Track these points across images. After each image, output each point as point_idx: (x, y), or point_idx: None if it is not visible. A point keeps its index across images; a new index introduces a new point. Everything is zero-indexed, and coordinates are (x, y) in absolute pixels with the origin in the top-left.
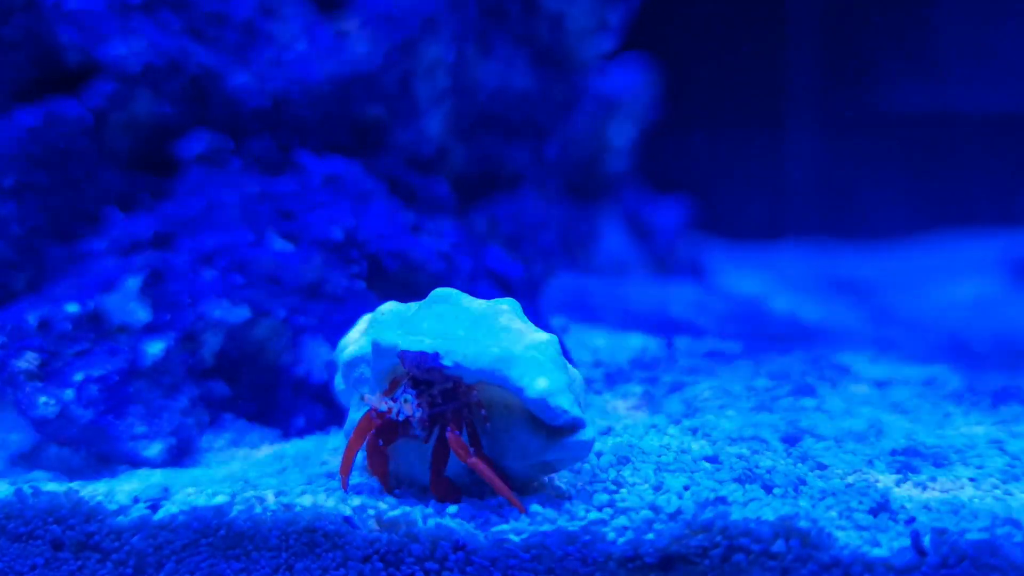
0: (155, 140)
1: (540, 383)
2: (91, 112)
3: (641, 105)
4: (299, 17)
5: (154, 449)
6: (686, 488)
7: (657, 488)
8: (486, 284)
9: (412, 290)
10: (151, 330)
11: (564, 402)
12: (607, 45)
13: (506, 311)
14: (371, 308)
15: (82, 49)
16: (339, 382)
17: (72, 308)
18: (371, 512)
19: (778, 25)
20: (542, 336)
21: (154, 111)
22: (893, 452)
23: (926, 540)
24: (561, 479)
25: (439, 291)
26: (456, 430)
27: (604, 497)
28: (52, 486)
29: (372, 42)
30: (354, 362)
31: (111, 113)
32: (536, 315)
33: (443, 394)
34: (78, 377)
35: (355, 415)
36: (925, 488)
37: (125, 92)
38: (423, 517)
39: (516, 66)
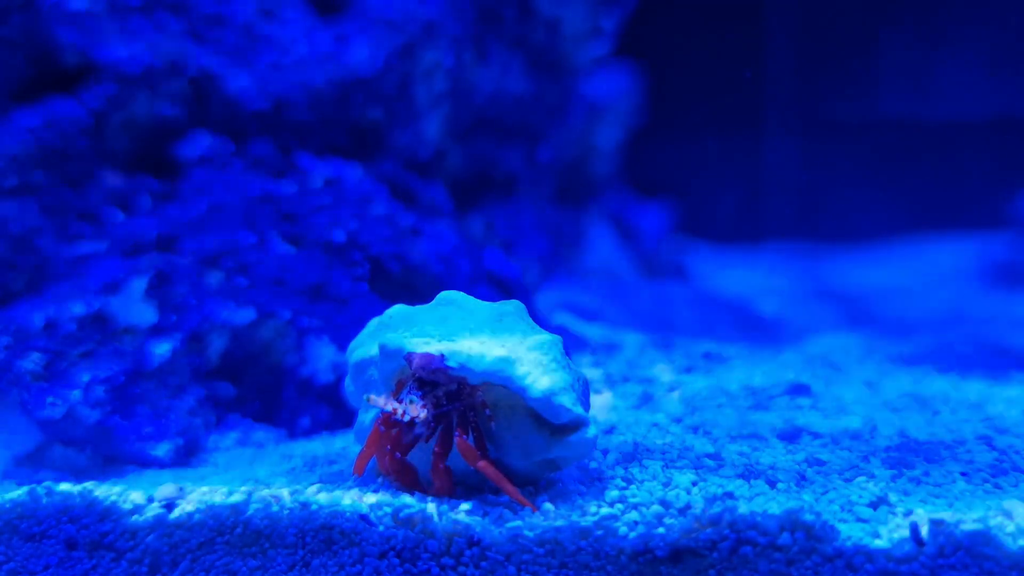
0: (155, 142)
1: (543, 382)
2: (91, 113)
3: (626, 109)
4: (299, 20)
5: (162, 449)
6: (694, 484)
7: (666, 484)
8: (485, 286)
9: (413, 292)
10: (157, 331)
11: (567, 401)
12: (600, 50)
13: (511, 312)
14: (375, 310)
15: (80, 50)
16: (349, 384)
17: (77, 309)
18: (387, 509)
19: (757, 32)
20: (546, 336)
21: (154, 112)
22: (887, 448)
23: (924, 531)
24: (571, 477)
25: (445, 294)
26: (463, 434)
27: (615, 493)
28: (65, 486)
29: (372, 46)
30: (363, 364)
31: (111, 114)
32: (535, 316)
33: (448, 395)
34: (84, 378)
35: (364, 416)
36: (919, 483)
37: (124, 93)
38: (439, 513)
39: (512, 70)
